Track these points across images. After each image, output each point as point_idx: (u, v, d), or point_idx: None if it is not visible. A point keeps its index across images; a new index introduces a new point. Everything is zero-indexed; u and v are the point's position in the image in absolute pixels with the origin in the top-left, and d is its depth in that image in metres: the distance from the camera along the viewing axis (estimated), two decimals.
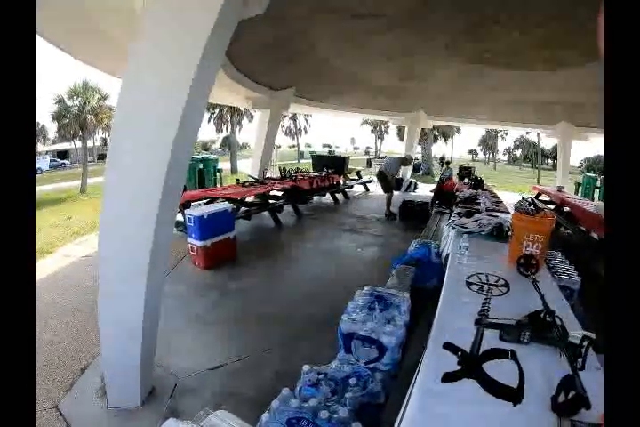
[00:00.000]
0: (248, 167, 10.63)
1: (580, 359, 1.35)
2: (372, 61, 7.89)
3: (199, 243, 4.49)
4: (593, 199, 11.07)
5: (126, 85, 2.22)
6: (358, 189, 11.78)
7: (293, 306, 3.65)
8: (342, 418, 1.18)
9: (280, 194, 7.36)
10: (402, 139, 35.39)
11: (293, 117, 38.31)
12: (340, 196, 9.95)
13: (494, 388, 1.23)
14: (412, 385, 1.30)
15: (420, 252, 3.01)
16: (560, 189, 10.38)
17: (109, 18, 4.13)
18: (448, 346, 1.44)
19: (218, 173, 9.42)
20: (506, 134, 46.20)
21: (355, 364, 1.54)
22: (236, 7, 2.33)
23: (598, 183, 12.61)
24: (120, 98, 2.22)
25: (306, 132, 44.10)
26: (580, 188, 12.63)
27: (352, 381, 1.42)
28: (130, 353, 2.38)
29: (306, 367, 1.47)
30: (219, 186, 8.66)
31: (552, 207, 8.33)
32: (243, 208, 5.91)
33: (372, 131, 43.96)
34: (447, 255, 2.80)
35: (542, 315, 1.68)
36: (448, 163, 11.43)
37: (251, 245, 5.42)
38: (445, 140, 42.17)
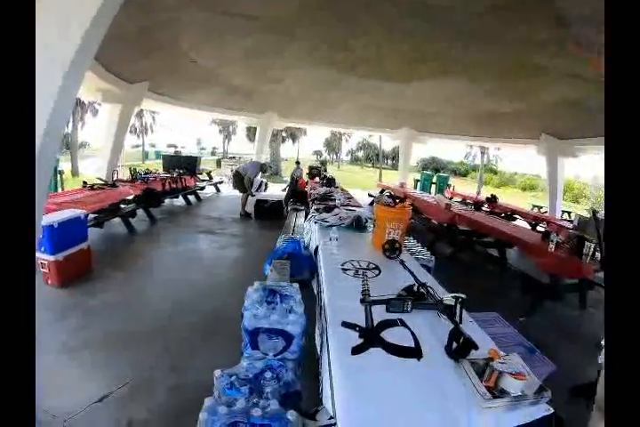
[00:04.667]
0: (88, 168, 9.60)
1: (457, 316, 1.69)
2: (231, 60, 7.88)
3: (51, 257, 3.81)
4: (430, 192, 12.87)
5: None
6: (209, 190, 11.59)
7: (167, 316, 3.41)
8: (275, 411, 1.21)
9: (130, 197, 6.82)
10: (251, 139, 35.71)
11: (139, 114, 35.45)
12: (192, 197, 9.63)
13: (397, 350, 1.45)
14: (324, 365, 1.44)
15: (291, 246, 3.15)
16: (402, 184, 11.78)
17: None
18: (345, 324, 1.62)
19: (59, 176, 8.14)
20: (349, 137, 49.67)
21: (264, 358, 1.58)
22: None
23: (434, 179, 14.86)
24: None
25: (152, 130, 41.44)
26: (419, 183, 14.62)
27: (267, 375, 1.46)
28: None
29: (217, 372, 1.45)
30: (60, 190, 7.48)
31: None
32: (92, 215, 5.26)
33: (221, 131, 43.25)
34: (316, 247, 3.04)
35: (416, 287, 2.00)
36: (298, 163, 11.99)
37: (107, 255, 4.90)
38: (294, 142, 43.68)
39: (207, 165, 16.25)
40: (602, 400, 1.13)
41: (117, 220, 6.15)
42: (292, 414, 1.20)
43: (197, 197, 9.92)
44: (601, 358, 1.53)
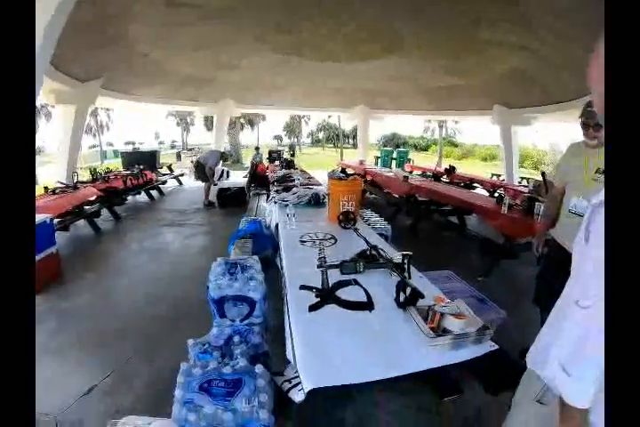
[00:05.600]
0: (42, 175, 9.30)
1: (405, 272, 1.91)
2: (182, 50, 7.72)
3: None
4: (390, 168, 13.09)
5: None
6: (171, 183, 11.40)
7: (139, 311, 3.43)
8: (244, 367, 1.33)
9: (93, 198, 6.71)
10: (209, 129, 34.99)
11: (94, 113, 34.16)
12: (154, 192, 9.48)
13: (350, 305, 1.62)
14: (287, 326, 1.59)
15: (252, 226, 3.24)
16: (362, 162, 11.95)
17: None
18: (303, 287, 1.77)
19: None
20: (309, 119, 49.28)
21: (232, 325, 1.70)
22: None
23: (394, 155, 15.10)
24: None
25: (108, 128, 39.83)
26: (379, 160, 14.82)
27: (236, 339, 1.57)
28: None
29: (190, 341, 1.55)
30: None
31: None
32: (57, 219, 5.17)
33: (178, 123, 42.24)
34: (277, 225, 3.19)
35: (368, 251, 2.17)
36: (257, 148, 12.00)
37: (76, 257, 4.82)
38: (252, 128, 43.18)
39: (167, 159, 15.99)
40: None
41: (83, 221, 6.08)
42: (259, 368, 1.33)
43: (160, 192, 9.77)
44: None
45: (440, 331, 1.40)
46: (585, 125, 2.09)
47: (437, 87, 10.43)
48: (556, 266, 2.20)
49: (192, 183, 11.44)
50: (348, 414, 1.64)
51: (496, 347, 1.37)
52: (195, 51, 7.77)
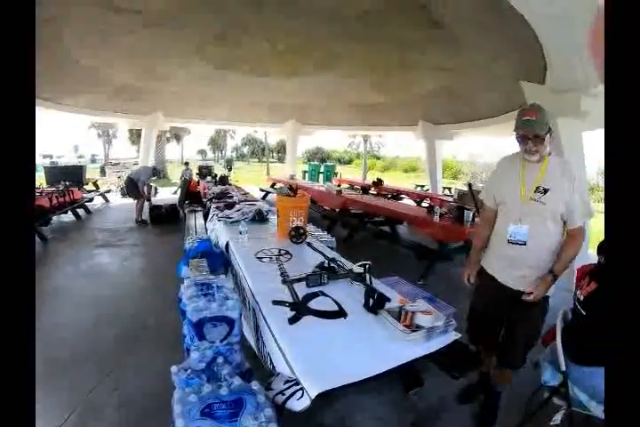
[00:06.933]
0: None
1: (367, 280, 2.07)
2: (116, 59, 7.41)
3: None
4: (319, 182, 13.37)
5: None
6: (97, 200, 10.51)
7: (89, 335, 3.16)
8: (240, 386, 1.37)
9: None
10: (134, 142, 33.14)
11: None
12: (80, 210, 8.65)
13: (325, 314, 1.73)
14: (268, 339, 1.65)
15: (203, 245, 3.20)
16: (292, 176, 12.08)
17: None
18: (276, 302, 1.85)
19: None
20: (234, 133, 48.60)
21: (212, 346, 1.66)
22: None
23: (321, 169, 15.43)
24: None
25: None
26: (307, 174, 15.05)
27: (219, 360, 1.59)
28: None
29: (174, 368, 1.53)
30: None
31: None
32: None
33: (100, 135, 39.66)
34: (227, 243, 3.18)
35: (326, 263, 2.28)
36: (187, 163, 11.65)
37: None
38: (178, 142, 41.81)
39: (90, 174, 15.03)
40: None
41: None
42: (255, 385, 1.37)
43: (87, 210, 9.11)
44: None
45: (413, 327, 1.59)
46: (523, 138, 1.85)
47: (367, 103, 10.85)
48: (489, 301, 2.10)
49: (119, 200, 10.89)
50: (327, 418, 1.73)
51: (459, 335, 1.63)
52: (131, 60, 7.49)
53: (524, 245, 1.89)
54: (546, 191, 1.84)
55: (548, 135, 1.83)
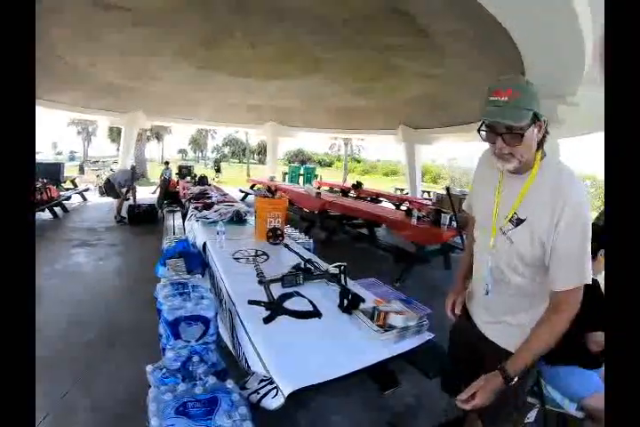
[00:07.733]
0: None
1: (342, 280, 2.10)
2: (102, 57, 7.28)
3: None
4: (299, 184, 13.37)
5: None
6: (75, 199, 10.36)
7: (64, 336, 3.06)
8: (214, 384, 1.38)
9: None
10: (113, 140, 32.54)
11: None
12: (58, 209, 8.44)
13: (300, 314, 1.76)
14: (243, 338, 1.66)
15: (181, 245, 3.19)
16: (272, 178, 12.06)
17: None
18: (252, 302, 1.86)
19: None
20: (215, 133, 48.22)
21: (187, 345, 1.67)
22: None
23: (301, 171, 15.45)
24: None
25: None
26: (287, 176, 15.04)
27: (195, 359, 1.59)
28: None
29: (149, 367, 1.53)
30: None
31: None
32: None
33: (79, 132, 38.82)
34: (204, 244, 3.17)
35: (303, 264, 2.31)
36: (167, 163, 11.51)
37: None
38: (158, 141, 41.35)
39: (69, 172, 14.71)
40: None
41: None
42: (230, 383, 1.39)
43: (64, 209, 8.94)
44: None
45: (387, 327, 1.62)
46: (490, 135, 1.15)
47: (348, 107, 10.87)
48: (464, 349, 1.53)
49: (97, 199, 10.67)
50: (302, 418, 1.75)
51: (432, 336, 1.66)
52: (118, 58, 7.38)
53: (487, 295, 1.32)
54: (519, 223, 1.19)
55: (535, 129, 1.10)
